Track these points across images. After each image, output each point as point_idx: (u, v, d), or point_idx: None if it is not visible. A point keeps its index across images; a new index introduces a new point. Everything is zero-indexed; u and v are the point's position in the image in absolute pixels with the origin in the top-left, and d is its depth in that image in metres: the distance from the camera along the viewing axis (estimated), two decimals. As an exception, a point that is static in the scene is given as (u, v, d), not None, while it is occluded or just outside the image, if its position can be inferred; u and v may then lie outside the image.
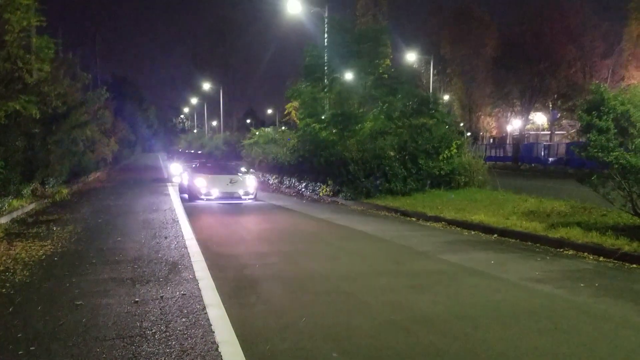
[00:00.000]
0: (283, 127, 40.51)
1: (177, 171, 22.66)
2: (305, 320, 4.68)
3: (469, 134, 38.04)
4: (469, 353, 3.99)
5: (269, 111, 78.83)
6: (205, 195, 15.31)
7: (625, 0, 36.30)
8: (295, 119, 29.37)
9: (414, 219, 12.09)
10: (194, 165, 19.03)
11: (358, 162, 16.09)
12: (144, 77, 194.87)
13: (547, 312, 5.00)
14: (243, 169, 18.03)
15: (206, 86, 55.74)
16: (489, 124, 53.56)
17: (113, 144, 32.21)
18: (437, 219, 11.34)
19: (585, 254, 7.76)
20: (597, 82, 9.80)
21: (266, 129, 30.06)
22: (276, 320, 4.66)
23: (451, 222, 10.89)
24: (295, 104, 28.50)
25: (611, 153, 8.20)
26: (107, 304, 5.08)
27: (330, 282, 6.15)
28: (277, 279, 6.27)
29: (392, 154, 16.35)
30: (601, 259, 7.45)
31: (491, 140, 56.18)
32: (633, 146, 8.26)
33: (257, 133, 29.18)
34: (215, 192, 15.38)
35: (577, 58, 41.93)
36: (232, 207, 14.62)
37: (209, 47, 71.77)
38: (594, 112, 8.66)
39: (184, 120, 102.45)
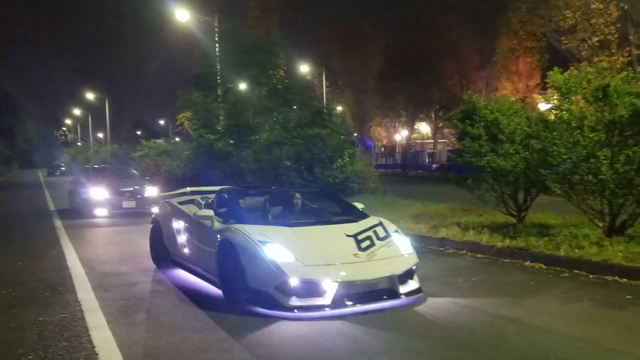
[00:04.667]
0: (176, 139, 39.28)
1: (101, 196, 14.73)
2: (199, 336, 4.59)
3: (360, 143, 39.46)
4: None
5: (161, 122, 76.25)
6: (301, 297, 4.99)
7: (496, 17, 39.37)
8: (188, 129, 28.65)
9: (309, 227, 12.26)
10: (230, 196, 6.90)
11: (255, 172, 16.07)
12: (22, 89, 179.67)
13: (428, 309, 5.32)
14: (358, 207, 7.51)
15: (90, 97, 52.48)
16: (379, 134, 55.93)
17: (-16, 160, 29.33)
18: (331, 226, 11.59)
19: (464, 251, 8.38)
20: (471, 92, 10.58)
21: (157, 141, 29.05)
22: (168, 339, 4.52)
23: (344, 229, 11.19)
24: (188, 114, 27.76)
25: (483, 158, 8.88)
26: (-24, 334, 4.62)
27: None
28: (169, 294, 6.08)
29: (288, 163, 16.53)
30: (478, 255, 8.07)
31: (382, 149, 58.65)
32: (502, 151, 8.98)
33: (148, 145, 28.06)
34: (331, 290, 5.00)
35: (455, 71, 45.14)
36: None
37: (93, 57, 67.96)
38: (467, 121, 9.35)
39: (67, 133, 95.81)
